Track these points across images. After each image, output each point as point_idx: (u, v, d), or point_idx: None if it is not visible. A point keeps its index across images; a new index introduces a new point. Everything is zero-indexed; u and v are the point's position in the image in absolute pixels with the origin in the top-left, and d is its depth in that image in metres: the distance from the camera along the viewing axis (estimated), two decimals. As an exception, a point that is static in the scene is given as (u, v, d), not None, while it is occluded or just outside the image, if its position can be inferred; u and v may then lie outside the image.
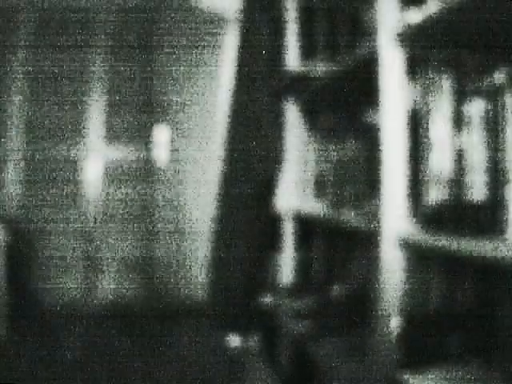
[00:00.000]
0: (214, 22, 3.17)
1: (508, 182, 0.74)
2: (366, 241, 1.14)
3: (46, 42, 3.09)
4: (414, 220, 0.95)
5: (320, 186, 1.62)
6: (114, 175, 3.13)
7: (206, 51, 3.18)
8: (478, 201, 0.79)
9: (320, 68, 1.57)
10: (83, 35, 3.12)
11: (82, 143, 3.12)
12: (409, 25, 0.92)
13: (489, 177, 0.78)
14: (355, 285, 1.52)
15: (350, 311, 1.39)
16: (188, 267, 3.10)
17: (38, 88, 3.08)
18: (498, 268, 0.93)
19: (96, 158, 3.12)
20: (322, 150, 1.63)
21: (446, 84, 0.86)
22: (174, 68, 3.16)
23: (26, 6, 3.08)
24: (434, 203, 0.88)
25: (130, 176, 3.14)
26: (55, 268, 3.02)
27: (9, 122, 3.05)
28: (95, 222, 3.10)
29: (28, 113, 3.07)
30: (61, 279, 3.03)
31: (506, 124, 0.75)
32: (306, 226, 1.80)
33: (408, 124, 0.96)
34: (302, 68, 1.67)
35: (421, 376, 0.87)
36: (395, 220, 0.97)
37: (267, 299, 1.85)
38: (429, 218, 0.89)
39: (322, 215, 1.47)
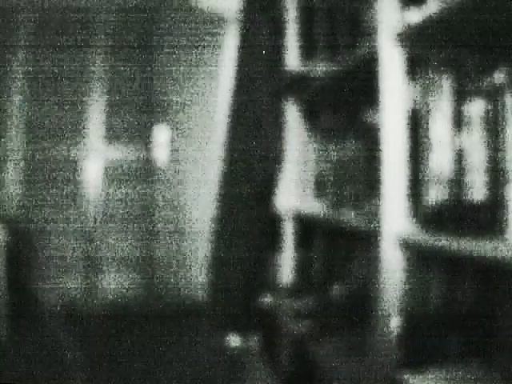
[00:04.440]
0: (214, 21, 3.17)
1: (508, 182, 0.74)
2: (366, 241, 1.14)
3: (46, 42, 3.09)
4: (414, 220, 0.95)
5: (320, 186, 1.62)
6: (114, 175, 3.13)
7: (205, 51, 3.18)
8: (477, 201, 0.79)
9: (320, 68, 1.57)
10: (83, 35, 3.12)
11: (82, 143, 3.12)
12: (409, 25, 0.92)
13: (489, 177, 0.78)
14: (355, 285, 1.52)
15: (350, 311, 1.39)
16: (188, 267, 3.10)
17: (38, 88, 3.08)
18: (498, 268, 0.93)
19: (96, 158, 3.12)
20: (322, 150, 1.63)
21: (446, 84, 0.86)
22: (173, 68, 3.16)
23: (26, 6, 3.08)
24: (433, 203, 0.88)
25: (129, 176, 3.14)
26: (55, 268, 3.02)
27: (9, 122, 3.05)
28: (95, 222, 3.10)
29: (28, 113, 3.07)
30: (61, 279, 3.03)
31: (506, 124, 0.75)
32: (306, 226, 1.80)
33: (408, 124, 0.96)
34: (302, 68, 1.67)
35: (421, 376, 0.87)
36: (395, 220, 0.97)
37: (267, 299, 1.84)
38: (429, 218, 0.89)
39: (322, 215, 1.47)
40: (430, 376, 0.87)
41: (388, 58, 0.98)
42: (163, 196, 3.14)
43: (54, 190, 3.06)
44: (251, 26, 1.86)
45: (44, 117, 3.08)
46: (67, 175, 3.09)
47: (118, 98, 3.13)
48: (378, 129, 1.01)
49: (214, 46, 3.19)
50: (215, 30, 3.18)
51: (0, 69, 3.05)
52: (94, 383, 1.88)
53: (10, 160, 3.05)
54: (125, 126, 3.14)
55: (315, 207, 1.60)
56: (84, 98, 3.12)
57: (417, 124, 0.93)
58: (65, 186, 3.08)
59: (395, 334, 0.95)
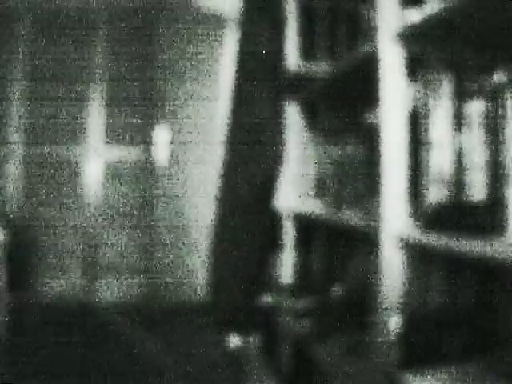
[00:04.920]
0: (214, 21, 3.17)
1: (508, 182, 0.74)
2: (366, 241, 1.14)
3: (46, 42, 3.09)
4: (414, 220, 0.95)
5: (320, 186, 1.62)
6: (114, 175, 3.13)
7: (206, 51, 3.18)
8: (477, 201, 0.79)
9: (320, 68, 1.57)
10: (83, 35, 3.12)
11: (82, 143, 3.12)
12: (409, 25, 0.92)
13: (489, 177, 0.78)
14: (355, 285, 1.52)
15: (350, 311, 1.39)
16: (188, 267, 3.10)
17: (38, 88, 3.08)
18: (498, 268, 0.93)
19: (96, 158, 3.12)
20: (321, 150, 1.63)
21: (445, 84, 0.86)
22: (174, 68, 3.16)
23: (26, 7, 3.08)
24: (433, 203, 0.88)
25: (129, 176, 3.14)
26: (55, 268, 3.02)
27: (9, 122, 3.05)
28: (95, 222, 3.10)
29: (28, 113, 3.07)
30: (61, 279, 3.03)
31: (506, 124, 0.75)
32: (306, 226, 1.80)
33: (408, 124, 0.96)
34: (302, 68, 1.67)
35: (421, 376, 0.87)
36: (395, 220, 0.97)
37: (267, 299, 1.84)
38: (429, 217, 0.89)
39: (321, 215, 1.47)
40: (429, 376, 0.87)
41: (388, 58, 0.98)
42: (163, 196, 3.14)
43: (54, 190, 3.06)
44: (251, 26, 1.86)
45: (44, 117, 3.08)
46: (67, 175, 3.09)
47: (118, 97, 3.13)
48: (378, 129, 1.01)
49: (214, 45, 3.19)
50: (215, 30, 3.18)
51: (0, 69, 3.05)
52: (93, 383, 1.88)
53: (10, 160, 3.05)
54: (125, 126, 3.14)
55: (315, 207, 1.60)
56: (84, 98, 3.12)
57: (417, 124, 0.93)
58: (65, 186, 3.08)
59: (395, 333, 0.95)
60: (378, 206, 1.00)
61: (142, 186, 3.14)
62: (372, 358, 1.02)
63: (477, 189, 0.79)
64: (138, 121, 3.15)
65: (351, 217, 1.23)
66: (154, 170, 3.15)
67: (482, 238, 0.75)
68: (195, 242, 3.09)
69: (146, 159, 3.15)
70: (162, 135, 3.15)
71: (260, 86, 1.82)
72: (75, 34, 3.11)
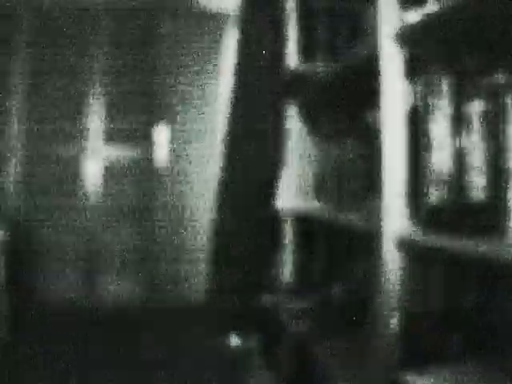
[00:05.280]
0: (214, 21, 3.17)
1: (508, 182, 0.74)
2: (366, 241, 1.14)
3: (46, 42, 3.09)
4: (414, 220, 0.95)
5: (320, 186, 1.62)
6: (114, 175, 3.13)
7: (206, 51, 3.18)
8: (478, 201, 0.79)
9: (320, 68, 1.57)
10: (83, 35, 3.12)
11: (81, 143, 3.12)
12: (409, 24, 0.92)
13: (489, 177, 0.78)
14: (355, 285, 1.52)
15: (350, 311, 1.39)
16: (188, 267, 3.10)
17: (38, 88, 3.08)
18: (498, 268, 0.93)
19: (96, 158, 3.12)
20: (322, 150, 1.63)
21: (445, 84, 0.86)
22: (174, 68, 3.16)
23: (26, 6, 3.07)
24: (433, 203, 0.88)
25: (129, 176, 3.14)
26: (55, 268, 3.02)
27: (9, 122, 3.05)
28: (95, 222, 3.10)
29: (28, 112, 3.07)
30: (61, 279, 3.03)
31: (506, 124, 0.75)
32: (306, 225, 1.80)
33: (408, 124, 0.96)
34: (302, 68, 1.67)
35: (421, 376, 0.87)
36: (395, 220, 0.97)
37: (267, 299, 1.84)
38: (429, 217, 0.89)
39: (321, 215, 1.47)
40: (429, 376, 0.87)
41: (388, 58, 0.98)
42: (163, 196, 3.14)
43: (54, 189, 3.06)
44: (251, 26, 1.87)
45: (44, 117, 3.08)
46: (67, 175, 3.09)
47: (118, 97, 3.13)
48: (378, 129, 1.01)
49: (214, 45, 3.19)
50: (215, 30, 3.18)
51: (0, 68, 3.05)
52: (93, 383, 1.88)
53: (10, 160, 3.05)
54: (125, 125, 3.14)
55: (315, 207, 1.60)
56: (84, 99, 3.12)
57: (417, 124, 0.93)
58: (65, 186, 3.08)
59: (395, 333, 0.95)
60: (378, 206, 1.00)
61: (142, 185, 3.14)
62: (372, 358, 1.02)
63: (477, 189, 0.79)
64: (138, 121, 3.15)
65: (351, 217, 1.23)
66: (153, 169, 3.15)
67: (481, 238, 0.75)
68: (195, 241, 3.09)
69: (146, 159, 3.15)
70: (162, 135, 3.15)
71: (260, 86, 1.82)
72: (76, 34, 3.11)
